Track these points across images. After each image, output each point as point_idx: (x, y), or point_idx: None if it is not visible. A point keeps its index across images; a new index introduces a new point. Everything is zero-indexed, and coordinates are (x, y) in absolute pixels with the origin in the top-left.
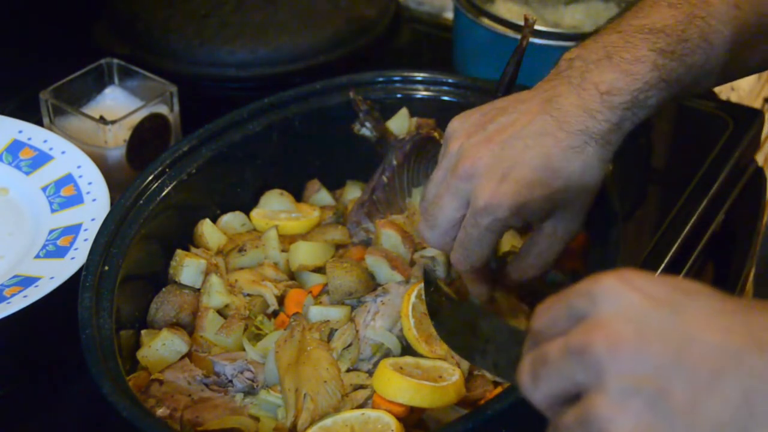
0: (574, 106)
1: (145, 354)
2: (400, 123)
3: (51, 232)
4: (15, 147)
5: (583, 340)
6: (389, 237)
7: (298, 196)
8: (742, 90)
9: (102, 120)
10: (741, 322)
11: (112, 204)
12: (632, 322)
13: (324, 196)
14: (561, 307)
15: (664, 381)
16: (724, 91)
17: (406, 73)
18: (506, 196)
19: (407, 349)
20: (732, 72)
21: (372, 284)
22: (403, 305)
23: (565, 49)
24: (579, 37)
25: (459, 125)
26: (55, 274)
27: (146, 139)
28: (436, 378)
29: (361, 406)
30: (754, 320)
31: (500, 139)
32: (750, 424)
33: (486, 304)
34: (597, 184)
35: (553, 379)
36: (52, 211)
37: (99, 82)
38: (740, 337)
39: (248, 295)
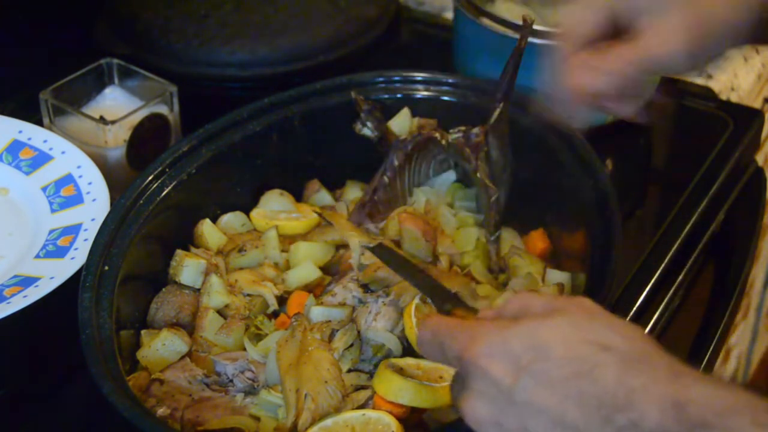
0: None
1: (145, 354)
2: (402, 123)
3: (51, 232)
4: (15, 147)
5: (459, 407)
6: (410, 233)
7: (298, 196)
8: (742, 90)
9: (102, 120)
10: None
11: (112, 204)
12: (491, 400)
13: (324, 196)
14: (439, 353)
15: None
16: (724, 91)
17: (406, 73)
18: None
19: (408, 350)
20: None
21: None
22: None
23: None
24: None
25: None
26: (55, 274)
27: (146, 139)
28: (437, 379)
29: (361, 407)
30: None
31: None
32: None
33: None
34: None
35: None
36: (52, 211)
37: (99, 82)
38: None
39: (248, 295)
